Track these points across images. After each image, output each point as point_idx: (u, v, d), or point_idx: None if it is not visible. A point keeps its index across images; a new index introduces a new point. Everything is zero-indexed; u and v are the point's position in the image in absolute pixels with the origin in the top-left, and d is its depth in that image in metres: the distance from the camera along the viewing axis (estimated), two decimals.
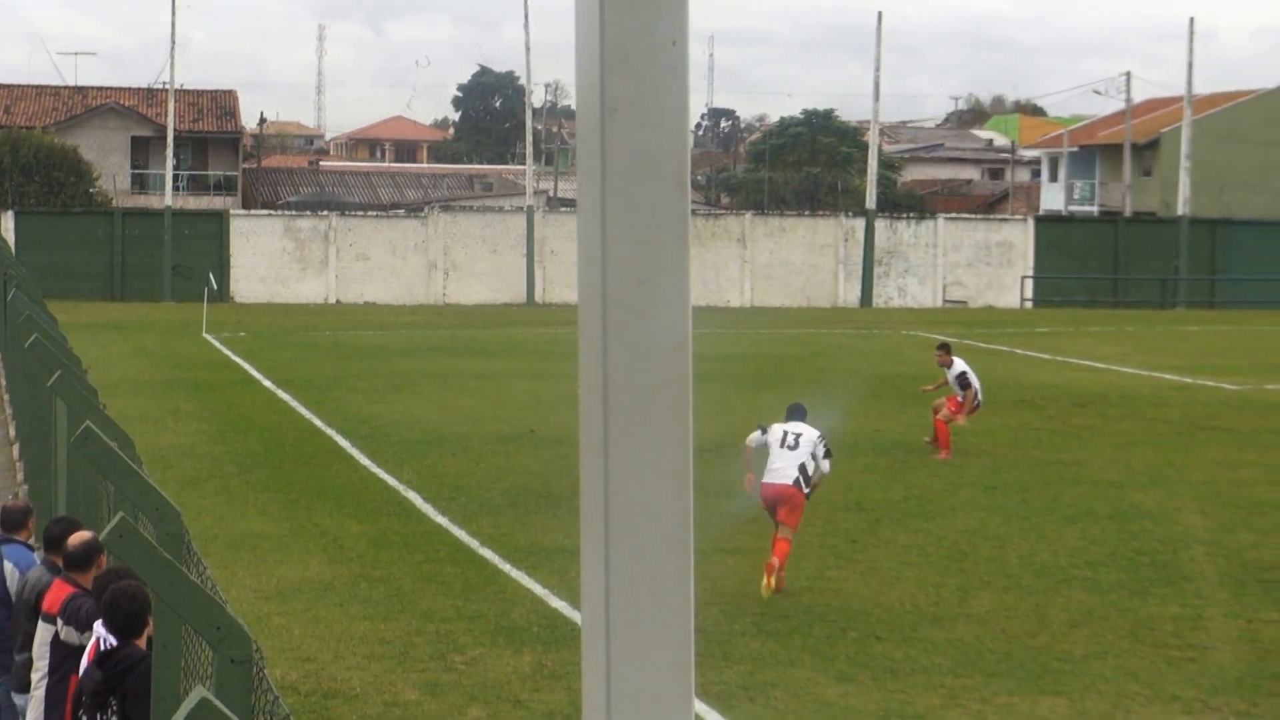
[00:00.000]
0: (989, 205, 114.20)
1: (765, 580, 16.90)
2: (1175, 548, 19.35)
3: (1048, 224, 76.39)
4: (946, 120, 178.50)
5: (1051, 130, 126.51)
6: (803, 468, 17.90)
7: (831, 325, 56.54)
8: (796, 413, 19.08)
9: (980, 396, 27.39)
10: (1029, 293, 70.96)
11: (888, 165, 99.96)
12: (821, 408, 32.35)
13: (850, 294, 69.60)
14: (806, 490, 17.88)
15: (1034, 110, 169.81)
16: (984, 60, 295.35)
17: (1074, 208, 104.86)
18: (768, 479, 18.00)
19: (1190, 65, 74.08)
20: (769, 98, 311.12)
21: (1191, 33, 74.41)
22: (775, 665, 14.42)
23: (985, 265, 71.52)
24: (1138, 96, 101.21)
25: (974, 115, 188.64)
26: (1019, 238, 72.14)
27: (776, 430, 18.50)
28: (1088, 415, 31.93)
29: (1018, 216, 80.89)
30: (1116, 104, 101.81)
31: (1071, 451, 27.07)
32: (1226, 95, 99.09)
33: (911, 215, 75.25)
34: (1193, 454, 26.90)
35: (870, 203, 70.86)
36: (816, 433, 18.44)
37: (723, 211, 79.77)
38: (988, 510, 21.69)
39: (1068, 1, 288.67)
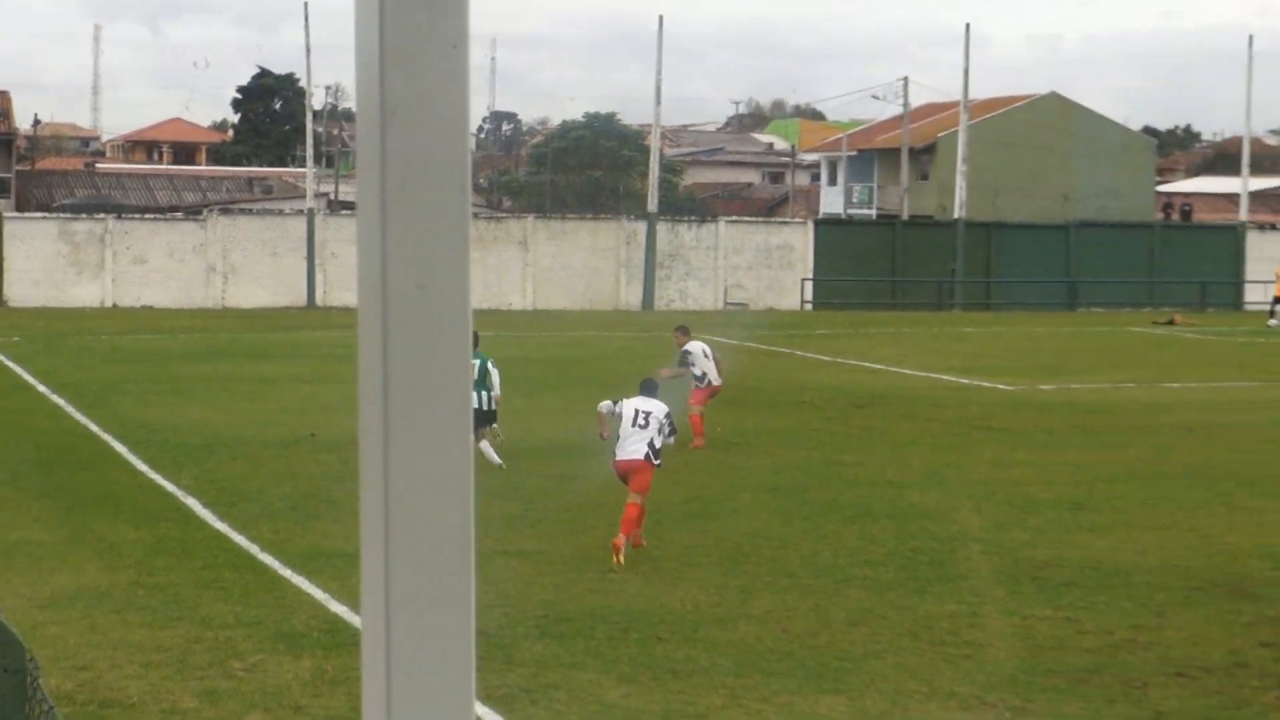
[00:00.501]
0: (769, 209, 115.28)
1: (615, 559, 18.29)
2: (952, 546, 19.68)
3: (827, 227, 77.27)
4: (727, 124, 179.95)
5: (830, 134, 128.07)
6: (651, 443, 19.65)
7: (613, 328, 56.72)
8: (648, 388, 20.78)
9: (712, 380, 28.71)
10: (809, 295, 71.73)
11: (669, 169, 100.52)
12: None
13: (632, 297, 69.86)
14: (657, 462, 19.71)
15: (813, 115, 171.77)
16: (764, 65, 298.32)
17: (853, 211, 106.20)
18: (621, 455, 19.71)
19: (966, 71, 75.37)
20: (551, 101, 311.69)
21: (967, 39, 75.73)
22: (558, 667, 14.44)
23: (766, 268, 72.17)
24: (915, 101, 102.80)
25: (754, 119, 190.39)
26: (799, 241, 72.89)
27: (629, 409, 20.00)
28: (866, 416, 32.36)
29: (797, 220, 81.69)
30: (894, 109, 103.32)
31: (851, 452, 27.41)
32: (1001, 100, 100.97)
33: (693, 218, 75.70)
34: (969, 454, 27.38)
35: (652, 206, 71.19)
36: (664, 410, 20.08)
37: (504, 215, 79.70)
38: (769, 511, 21.89)
39: (846, 7, 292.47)
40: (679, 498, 22.80)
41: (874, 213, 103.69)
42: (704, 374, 28.83)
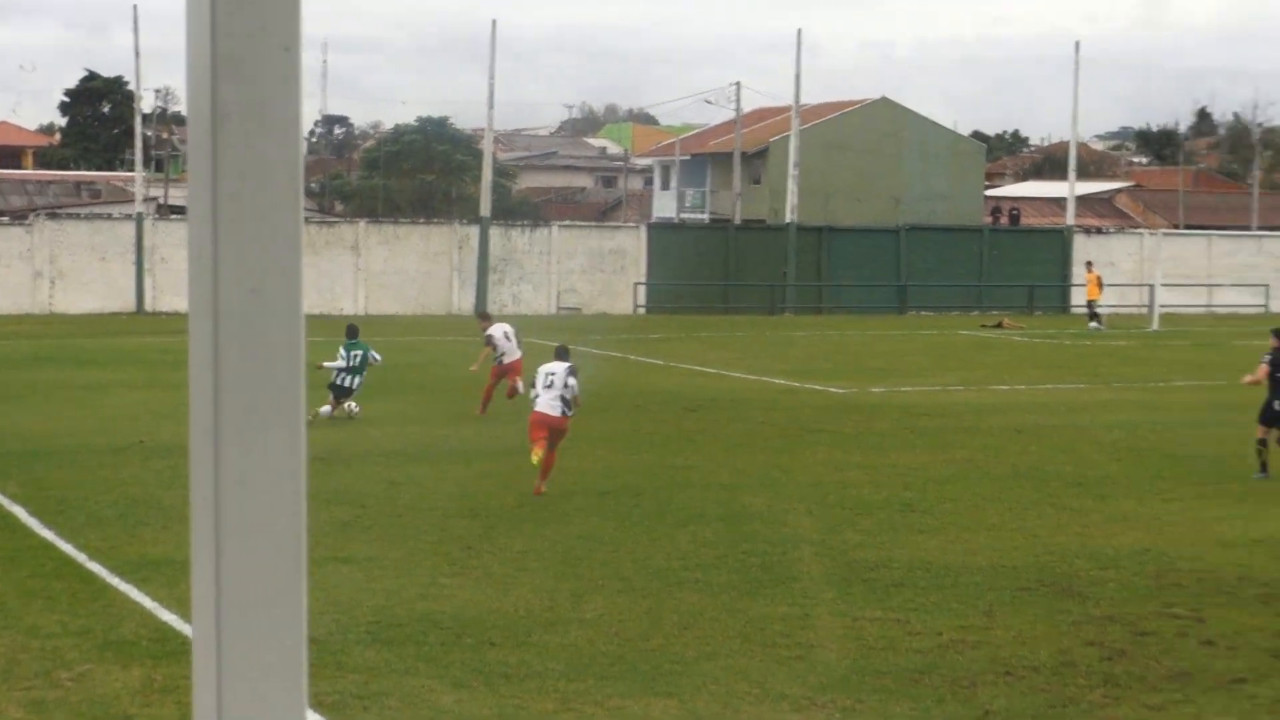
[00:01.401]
0: (602, 213, 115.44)
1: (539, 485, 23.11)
2: (784, 548, 19.81)
3: (660, 231, 77.53)
4: (561, 128, 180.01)
5: (663, 139, 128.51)
6: (563, 399, 23.69)
7: (446, 332, 56.54)
8: (560, 354, 24.82)
9: (506, 358, 32.96)
10: (642, 299, 71.92)
11: (502, 173, 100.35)
12: (438, 415, 32.47)
13: (465, 301, 69.67)
14: (570, 413, 23.84)
15: (646, 119, 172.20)
16: (597, 69, 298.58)
17: (686, 215, 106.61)
18: (539, 409, 23.74)
19: (798, 76, 75.96)
20: (383, 105, 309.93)
21: (799, 44, 76.38)
22: (390, 674, 14.37)
23: (599, 272, 72.28)
24: (747, 106, 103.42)
25: (588, 123, 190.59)
26: (632, 245, 73.06)
27: (541, 372, 24.13)
28: (699, 420, 32.50)
29: (631, 224, 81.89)
30: (727, 113, 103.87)
31: (683, 455, 27.53)
32: (833, 105, 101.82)
33: (526, 223, 75.64)
34: (801, 456, 27.59)
35: (485, 210, 71.02)
36: (565, 367, 24.05)
37: (336, 219, 79.16)
38: (601, 515, 21.92)
39: (677, 12, 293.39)
40: (510, 502, 22.77)
41: (707, 217, 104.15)
42: (502, 353, 33.23)
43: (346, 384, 31.98)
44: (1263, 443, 26.18)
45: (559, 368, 24.16)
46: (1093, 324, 65.19)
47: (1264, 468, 25.86)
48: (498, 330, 33.92)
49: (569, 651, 15.11)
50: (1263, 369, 26.42)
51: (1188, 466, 26.98)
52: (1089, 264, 72.18)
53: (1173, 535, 21.02)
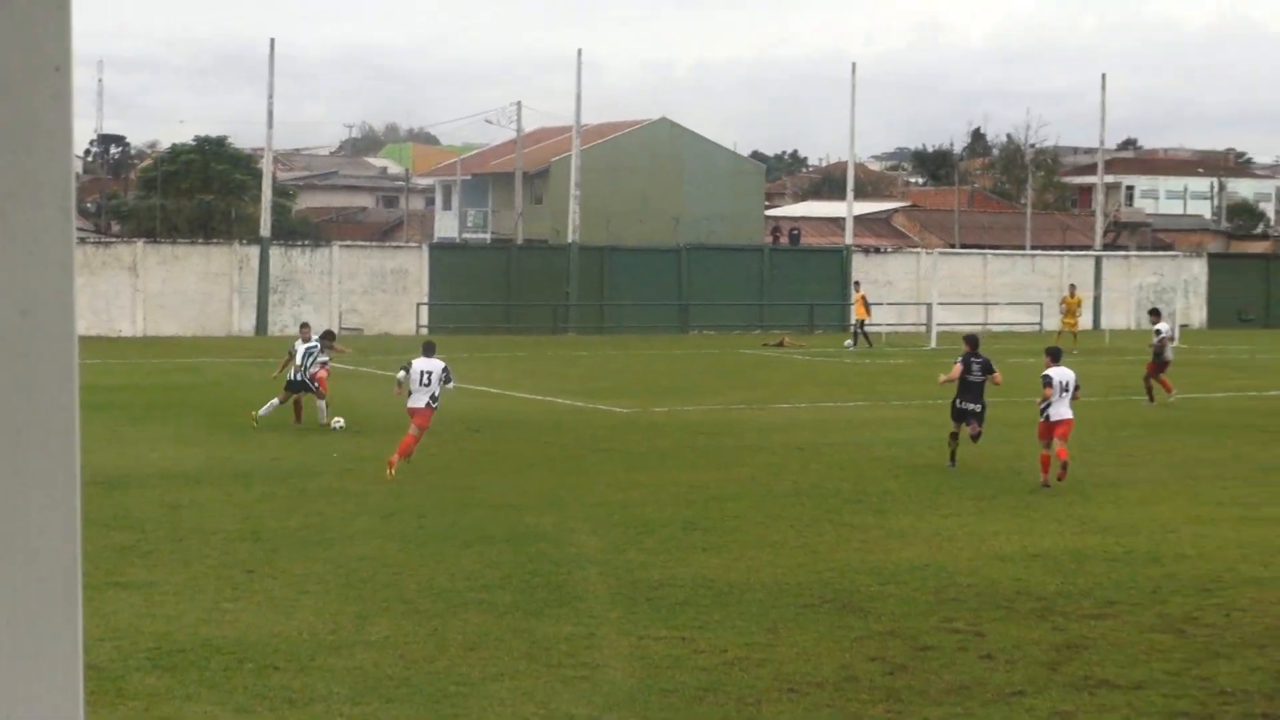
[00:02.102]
0: (384, 233, 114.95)
1: (388, 472, 26.37)
2: (569, 568, 19.81)
3: (442, 251, 77.33)
4: (341, 148, 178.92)
5: (445, 159, 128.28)
6: (434, 395, 27.72)
7: (226, 354, 55.89)
8: (428, 349, 28.41)
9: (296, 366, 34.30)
10: (424, 319, 71.66)
11: (282, 193, 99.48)
12: (220, 438, 32.05)
13: (245, 322, 68.95)
14: (435, 405, 27.85)
15: (427, 139, 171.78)
16: (377, 88, 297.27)
17: (468, 235, 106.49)
18: (411, 403, 27.74)
19: (578, 96, 76.17)
20: (160, 124, 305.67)
21: (579, 64, 76.57)
22: (171, 700, 14.15)
23: (381, 292, 71.89)
24: (528, 126, 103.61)
25: (368, 143, 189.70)
26: (414, 265, 72.78)
27: (416, 370, 27.76)
28: (483, 440, 32.43)
29: (412, 244, 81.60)
30: (508, 133, 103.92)
31: (468, 476, 27.44)
32: (613, 126, 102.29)
33: (306, 243, 75.03)
34: (586, 476, 27.63)
35: (265, 230, 70.39)
36: (441, 365, 27.97)
37: (113, 239, 77.95)
38: (385, 537, 21.77)
39: (457, 32, 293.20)
40: (293, 524, 22.55)
41: (489, 237, 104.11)
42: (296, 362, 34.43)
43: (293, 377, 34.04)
44: (954, 436, 29.37)
45: (435, 365, 27.88)
46: (848, 343, 66.16)
47: (953, 459, 29.06)
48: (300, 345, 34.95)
49: (354, 675, 14.98)
50: (957, 368, 29.97)
51: (965, 482, 27.45)
52: (856, 283, 73.29)
53: (951, 550, 21.35)
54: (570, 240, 75.66)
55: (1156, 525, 23.33)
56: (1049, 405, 27.45)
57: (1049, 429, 27.31)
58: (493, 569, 19.79)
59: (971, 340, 30.73)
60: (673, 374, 50.59)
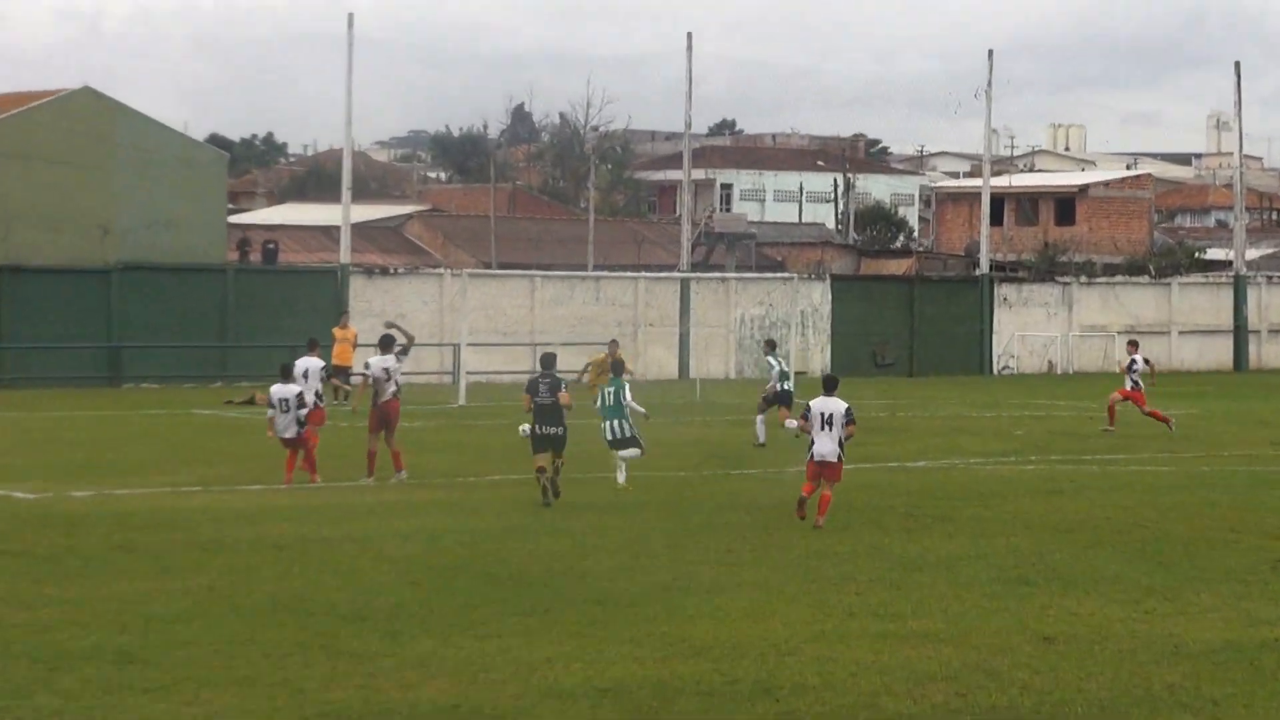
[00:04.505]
0: None
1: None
2: None
3: None
4: None
5: None
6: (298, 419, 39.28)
7: None
8: (286, 373, 40.59)
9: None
10: None
11: None
12: None
13: None
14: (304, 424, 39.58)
15: None
16: None
17: None
18: (278, 433, 39.74)
19: None
20: None
21: None
22: None
23: None
24: None
25: None
26: None
27: (275, 397, 39.24)
28: None
29: None
30: None
31: None
32: (14, 98, 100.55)
33: None
34: None
35: None
36: (296, 390, 39.94)
37: None
38: None
39: None
40: None
41: None
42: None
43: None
44: (542, 470, 35.92)
45: (290, 390, 39.95)
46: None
47: (546, 493, 36.15)
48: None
49: None
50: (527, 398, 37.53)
51: (509, 590, 27.50)
52: (344, 314, 73.33)
53: (490, 685, 21.34)
54: None
55: (769, 645, 23.65)
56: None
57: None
58: None
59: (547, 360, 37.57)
60: (99, 444, 49.85)
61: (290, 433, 40.18)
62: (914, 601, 26.88)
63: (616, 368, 41.47)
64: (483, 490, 39.93)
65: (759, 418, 51.57)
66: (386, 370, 41.22)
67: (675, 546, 31.36)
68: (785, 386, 52.60)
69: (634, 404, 39.82)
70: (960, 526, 34.45)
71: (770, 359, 53.99)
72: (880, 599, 27.13)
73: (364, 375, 42.64)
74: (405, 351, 42.29)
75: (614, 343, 58.87)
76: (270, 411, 40.24)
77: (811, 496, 33.93)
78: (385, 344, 41.98)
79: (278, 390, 40.15)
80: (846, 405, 33.58)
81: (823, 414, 32.17)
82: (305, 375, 42.13)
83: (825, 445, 32.74)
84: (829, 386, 33.71)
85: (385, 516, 35.29)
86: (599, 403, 40.08)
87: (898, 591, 27.79)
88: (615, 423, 39.35)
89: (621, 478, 39.47)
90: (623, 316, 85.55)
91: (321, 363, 43.63)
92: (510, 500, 37.72)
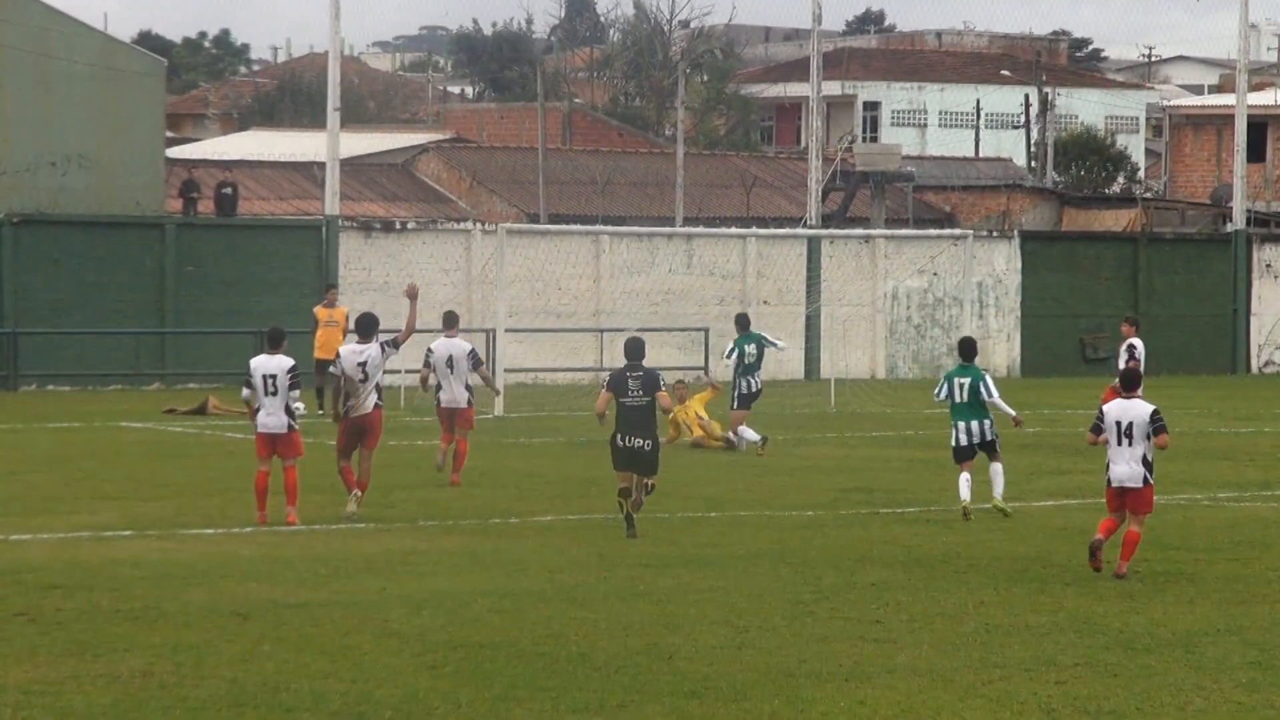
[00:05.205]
0: None
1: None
2: None
3: None
4: None
5: None
6: (287, 408, 40.34)
7: None
8: (267, 347, 41.53)
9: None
10: None
11: None
12: None
13: None
14: (296, 424, 40.88)
15: None
16: None
17: None
18: (261, 428, 40.61)
19: None
20: None
21: None
22: None
23: None
24: None
25: None
26: None
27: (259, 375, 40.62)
28: None
29: None
30: None
31: None
32: None
33: None
34: None
35: None
36: (286, 367, 40.55)
37: None
38: None
39: None
40: None
41: None
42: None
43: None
44: (626, 492, 38.12)
45: (279, 368, 40.45)
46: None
47: (630, 523, 38.40)
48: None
49: None
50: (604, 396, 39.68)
51: (566, 679, 27.59)
52: (331, 288, 72.83)
53: None
54: None
55: None
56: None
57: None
58: None
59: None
60: None
61: (276, 424, 39.85)
62: (1139, 695, 26.88)
63: (742, 321, 45.08)
64: (529, 537, 39.80)
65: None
66: (363, 367, 40.39)
67: (800, 616, 31.43)
68: (754, 384, 52.45)
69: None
70: (1204, 588, 34.31)
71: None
72: (1091, 691, 27.14)
73: (333, 373, 42.13)
74: (395, 344, 41.74)
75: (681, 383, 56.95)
76: (246, 391, 40.37)
77: (1111, 537, 33.80)
78: (365, 327, 41.36)
79: (261, 363, 39.97)
80: (1153, 408, 33.06)
81: (1119, 423, 31.21)
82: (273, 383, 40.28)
83: (1124, 467, 31.68)
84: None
85: (392, 573, 35.33)
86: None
87: (1116, 680, 27.80)
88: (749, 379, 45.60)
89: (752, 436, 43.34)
90: (725, 291, 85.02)
91: (290, 363, 40.37)
92: (566, 552, 37.59)
